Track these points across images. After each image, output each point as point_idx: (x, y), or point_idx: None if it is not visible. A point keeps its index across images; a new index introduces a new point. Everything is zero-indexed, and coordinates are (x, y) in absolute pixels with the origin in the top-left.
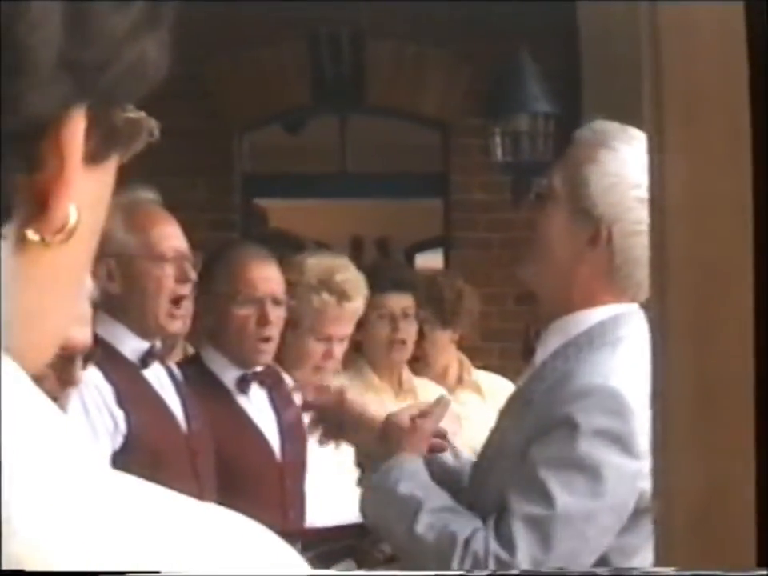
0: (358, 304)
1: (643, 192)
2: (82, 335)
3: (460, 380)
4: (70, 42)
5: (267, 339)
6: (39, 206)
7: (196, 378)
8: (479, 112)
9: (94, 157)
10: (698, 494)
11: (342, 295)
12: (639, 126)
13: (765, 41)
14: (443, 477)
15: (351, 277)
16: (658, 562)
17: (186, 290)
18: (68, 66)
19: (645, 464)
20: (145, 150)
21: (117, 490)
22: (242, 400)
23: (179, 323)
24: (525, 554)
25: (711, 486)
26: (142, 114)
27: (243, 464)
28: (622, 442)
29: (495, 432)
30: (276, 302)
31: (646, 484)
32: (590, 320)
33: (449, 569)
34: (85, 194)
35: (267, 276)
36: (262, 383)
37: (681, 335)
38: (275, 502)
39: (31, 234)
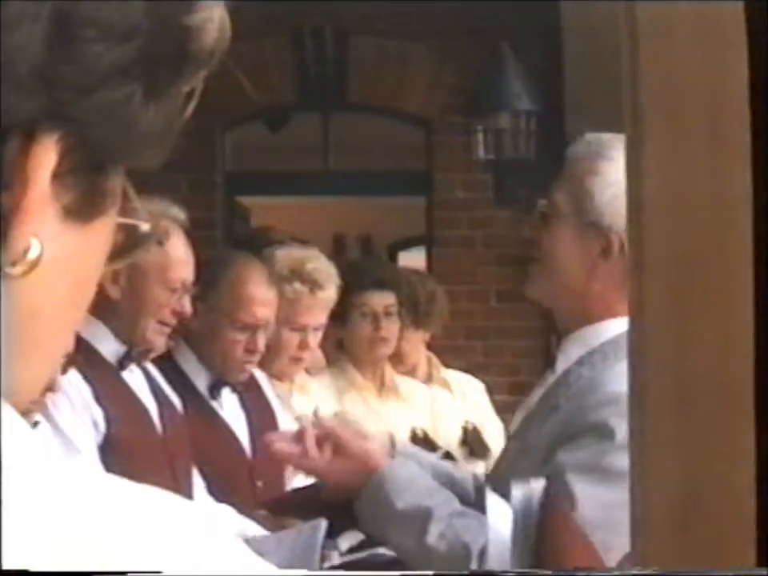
0: (330, 293)
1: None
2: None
3: (430, 377)
4: (48, 57)
5: (250, 363)
6: (1, 233)
7: (168, 376)
8: (462, 110)
9: (73, 211)
10: (677, 493)
11: (314, 284)
12: (621, 124)
13: (765, 41)
14: (446, 486)
15: (321, 266)
16: (636, 562)
17: (175, 320)
18: (42, 80)
19: None
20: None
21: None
22: (213, 401)
23: (164, 340)
24: None
25: (690, 486)
26: (147, 226)
27: (215, 462)
28: None
29: (515, 437)
30: (267, 327)
31: None
32: (614, 329)
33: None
34: (61, 242)
35: (265, 300)
36: (233, 388)
37: (659, 334)
38: (248, 500)
39: None
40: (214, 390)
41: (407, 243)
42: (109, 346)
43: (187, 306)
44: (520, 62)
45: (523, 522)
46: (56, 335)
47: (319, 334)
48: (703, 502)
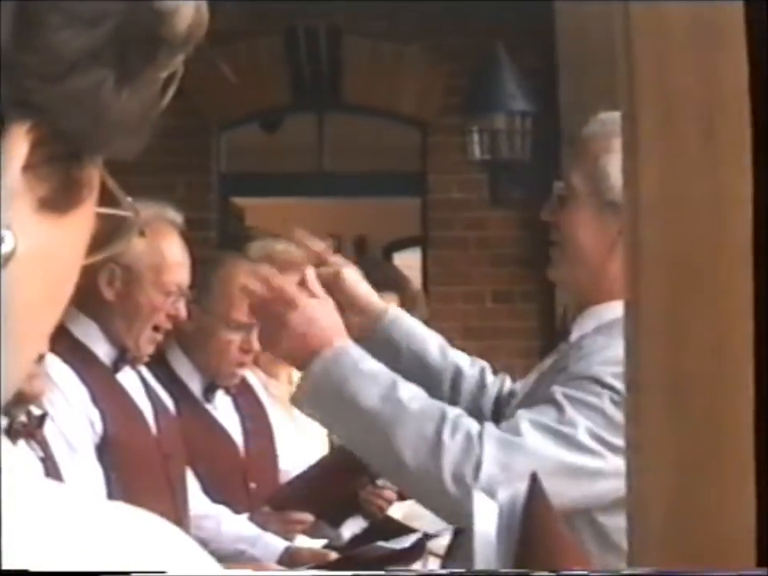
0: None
1: None
2: (32, 387)
3: None
4: (13, 44)
5: (244, 364)
6: None
7: (162, 379)
8: (457, 110)
9: (48, 203)
10: (671, 491)
11: (284, 264)
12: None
13: (765, 41)
14: (421, 374)
15: (293, 250)
16: (631, 558)
17: (170, 324)
18: (7, 68)
19: None
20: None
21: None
22: (207, 404)
23: (152, 347)
24: (531, 439)
25: (683, 484)
26: (129, 212)
27: (210, 464)
28: None
29: (523, 398)
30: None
31: None
32: None
33: (435, 435)
34: (37, 235)
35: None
36: (227, 390)
37: (654, 332)
38: (241, 502)
39: None
40: (209, 393)
41: (402, 244)
42: (104, 348)
43: (182, 310)
44: (515, 63)
45: (508, 520)
46: (31, 331)
47: None
48: (699, 501)
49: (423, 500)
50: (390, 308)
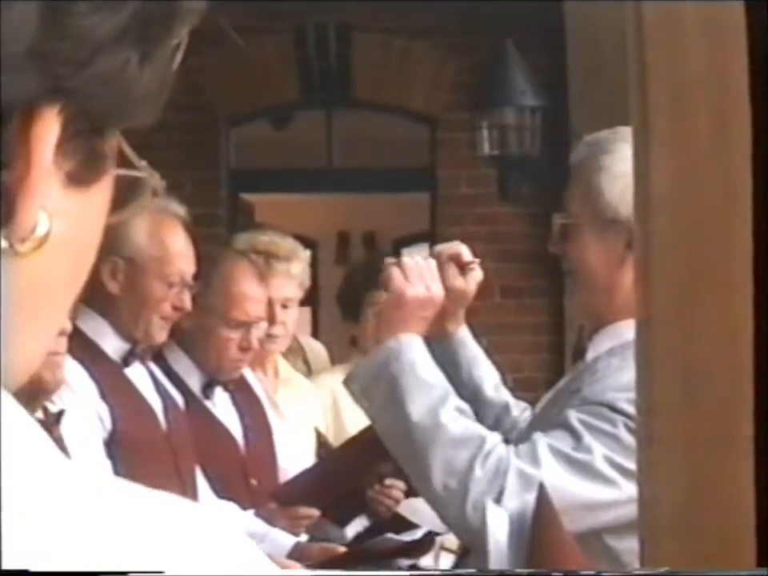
0: (290, 265)
1: None
2: (52, 377)
3: None
4: (43, 34)
5: (243, 361)
6: (7, 210)
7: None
8: (466, 106)
9: (75, 177)
10: (684, 490)
11: (270, 255)
12: (625, 120)
13: (765, 41)
14: (471, 400)
15: (279, 240)
16: (643, 557)
17: (177, 315)
18: (38, 57)
19: None
20: (131, 145)
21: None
22: (207, 401)
23: (164, 334)
24: (549, 472)
25: (696, 483)
26: (144, 174)
27: (211, 461)
28: None
29: (535, 420)
30: (259, 324)
31: None
32: None
33: (468, 464)
34: (65, 211)
35: (257, 297)
36: (225, 387)
37: (666, 328)
38: (243, 499)
39: (2, 240)
40: (208, 390)
41: (411, 240)
42: (112, 343)
43: (187, 301)
44: (524, 58)
45: (518, 528)
46: (55, 309)
47: (291, 311)
48: (710, 502)
49: (440, 514)
50: (463, 328)
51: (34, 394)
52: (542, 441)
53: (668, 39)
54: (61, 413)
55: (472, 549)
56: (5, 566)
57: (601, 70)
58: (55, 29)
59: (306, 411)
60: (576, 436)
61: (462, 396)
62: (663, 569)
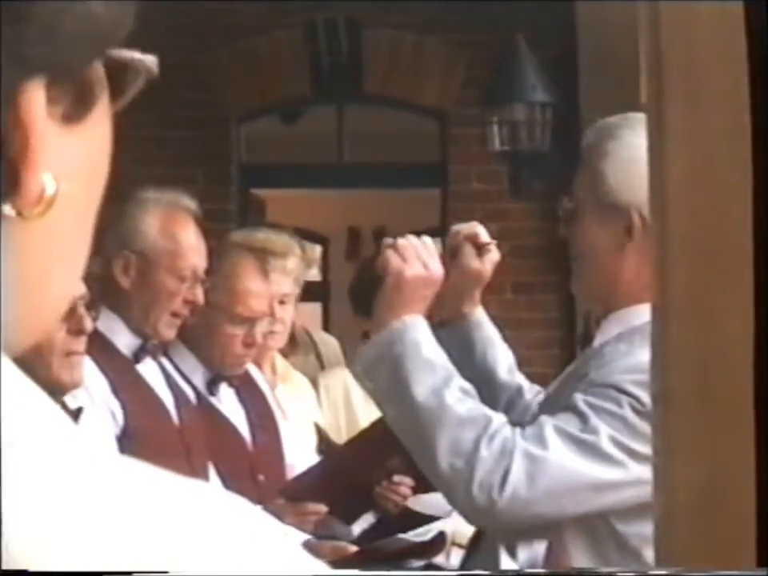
0: (285, 262)
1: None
2: (70, 378)
3: None
4: (11, 34)
5: (248, 357)
6: (12, 181)
7: (165, 373)
8: (477, 101)
9: (71, 116)
10: (700, 484)
11: (265, 251)
12: (636, 112)
13: (765, 41)
14: (485, 381)
15: (274, 237)
16: (658, 543)
17: (186, 310)
18: (9, 45)
19: None
20: (142, 140)
21: (124, 476)
22: (212, 397)
23: (174, 331)
24: (556, 453)
25: (713, 476)
26: (132, 55)
27: (218, 457)
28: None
29: (544, 404)
30: (263, 320)
31: None
32: None
33: (473, 444)
34: (68, 156)
35: (261, 293)
36: (230, 383)
37: (682, 322)
38: (250, 494)
39: (8, 210)
40: (212, 386)
41: (422, 235)
42: (124, 339)
43: (199, 295)
44: (535, 54)
45: None
46: (80, 240)
47: (287, 307)
48: (728, 497)
49: (447, 495)
50: (479, 309)
51: (50, 393)
52: (548, 423)
53: (682, 28)
54: (80, 409)
55: (478, 528)
56: (4, 566)
57: (611, 64)
58: (17, 20)
59: (304, 407)
60: (583, 418)
61: (475, 377)
62: (663, 569)
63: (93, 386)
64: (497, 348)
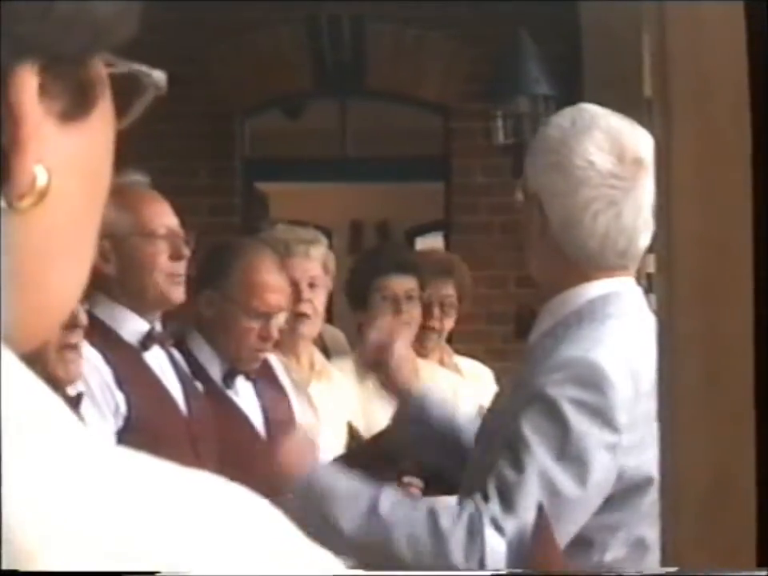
0: (308, 247)
1: (560, 156)
2: (65, 374)
3: (441, 363)
4: (5, 10)
5: (264, 351)
6: (3, 169)
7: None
8: (480, 95)
9: (66, 114)
10: (705, 475)
11: (288, 241)
12: (639, 105)
13: (765, 41)
14: (443, 428)
15: (298, 228)
16: (665, 539)
17: (181, 268)
18: (5, 32)
19: (624, 438)
20: (146, 135)
21: (123, 468)
22: (228, 390)
23: (180, 291)
24: (527, 507)
25: (718, 468)
26: (140, 69)
27: (231, 448)
28: (599, 414)
29: (488, 414)
30: (280, 314)
31: (626, 459)
32: (581, 299)
33: (433, 532)
34: (62, 153)
35: (278, 287)
36: (247, 376)
37: (688, 313)
38: (261, 488)
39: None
40: (228, 379)
41: (425, 229)
42: (128, 327)
43: (185, 249)
44: (538, 47)
45: (517, 553)
46: (82, 241)
47: (318, 291)
48: (733, 492)
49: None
50: (421, 385)
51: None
52: (491, 483)
53: (687, 22)
54: (80, 396)
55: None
56: (5, 566)
57: (616, 56)
58: None
59: (340, 405)
60: (518, 457)
61: (446, 439)
62: (663, 569)
63: (97, 377)
64: (446, 405)
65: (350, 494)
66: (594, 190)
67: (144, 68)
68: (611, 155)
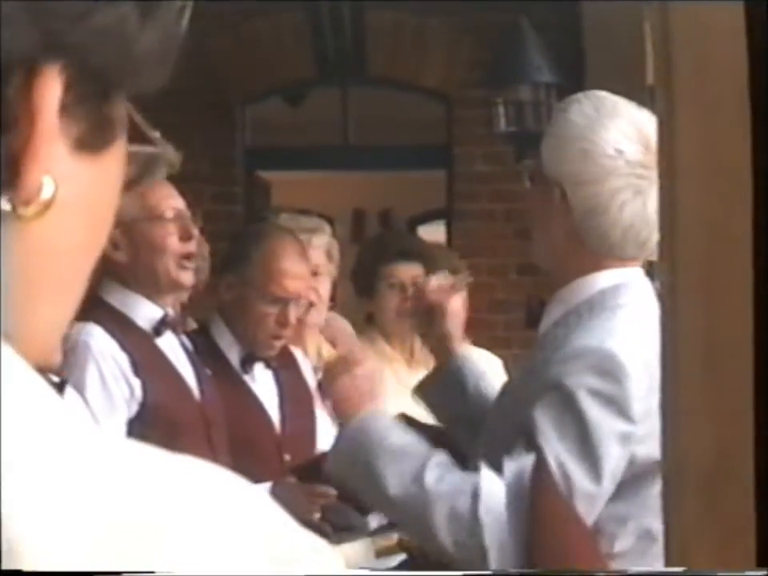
0: (311, 236)
1: (589, 144)
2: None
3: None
4: (46, 4)
5: (281, 337)
6: (12, 172)
7: (203, 349)
8: (482, 83)
9: (84, 143)
10: (707, 457)
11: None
12: (641, 93)
13: (765, 41)
14: (474, 400)
15: (301, 217)
16: (667, 528)
17: (192, 246)
18: (35, 12)
19: (638, 428)
20: (147, 124)
21: (127, 464)
22: (245, 375)
23: (190, 275)
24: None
25: (720, 450)
26: (158, 149)
27: (242, 433)
28: (615, 404)
29: (497, 403)
30: (299, 301)
31: (638, 448)
32: (592, 288)
33: (471, 516)
34: (75, 176)
35: (297, 274)
36: (267, 364)
37: (690, 298)
38: (275, 473)
39: (3, 203)
40: (246, 364)
41: (427, 217)
42: (142, 313)
43: (194, 229)
44: (539, 34)
45: (516, 499)
46: (75, 276)
47: (321, 279)
48: (734, 475)
49: (467, 566)
50: (464, 346)
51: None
52: (508, 468)
53: (690, 10)
54: (63, 383)
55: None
56: (5, 566)
57: (617, 43)
58: None
59: None
60: (536, 444)
61: (474, 413)
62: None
63: (112, 365)
64: (487, 379)
65: (401, 451)
66: (621, 180)
67: (161, 148)
68: (639, 144)
